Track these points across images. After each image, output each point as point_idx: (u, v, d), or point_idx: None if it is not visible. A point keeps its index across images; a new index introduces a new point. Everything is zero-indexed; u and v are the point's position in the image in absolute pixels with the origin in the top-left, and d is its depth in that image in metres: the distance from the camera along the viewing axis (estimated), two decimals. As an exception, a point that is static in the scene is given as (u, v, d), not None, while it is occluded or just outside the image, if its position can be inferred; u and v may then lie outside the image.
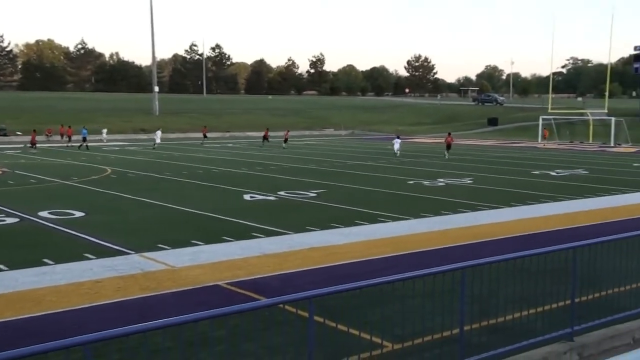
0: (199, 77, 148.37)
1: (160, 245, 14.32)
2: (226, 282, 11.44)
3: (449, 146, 43.19)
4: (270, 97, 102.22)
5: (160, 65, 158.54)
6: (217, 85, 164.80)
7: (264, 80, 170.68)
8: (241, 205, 20.90)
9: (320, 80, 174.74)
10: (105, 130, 58.92)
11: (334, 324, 6.30)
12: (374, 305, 7.11)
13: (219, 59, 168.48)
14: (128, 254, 13.51)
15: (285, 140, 51.27)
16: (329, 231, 16.36)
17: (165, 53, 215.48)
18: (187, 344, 5.34)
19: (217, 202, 21.46)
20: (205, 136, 56.81)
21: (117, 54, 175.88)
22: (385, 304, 7.17)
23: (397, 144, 42.96)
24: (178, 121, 77.44)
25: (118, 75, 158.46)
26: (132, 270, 12.13)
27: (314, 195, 23.30)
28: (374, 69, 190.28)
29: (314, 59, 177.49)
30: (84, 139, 47.61)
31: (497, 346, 7.34)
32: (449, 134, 46.46)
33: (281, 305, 5.84)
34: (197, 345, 6.38)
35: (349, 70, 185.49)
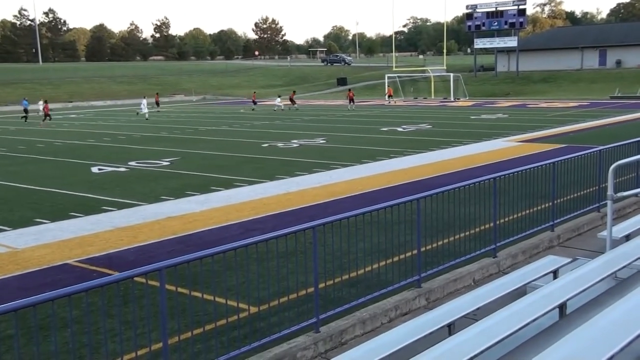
0: (32, 45, 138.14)
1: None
2: (76, 260, 10.94)
3: (351, 99, 53.02)
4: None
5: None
6: (54, 53, 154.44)
7: (106, 46, 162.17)
8: (89, 179, 19.98)
9: (167, 45, 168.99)
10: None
11: (188, 293, 6.22)
12: (230, 270, 7.13)
13: (54, 24, 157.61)
14: (-36, 239, 12.51)
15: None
16: (185, 199, 16.10)
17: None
18: (36, 328, 5.06)
19: (62, 177, 20.37)
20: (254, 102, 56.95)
21: None
22: (241, 268, 7.20)
23: (278, 102, 52.21)
24: (13, 93, 72.05)
25: None
26: (-30, 256, 11.26)
27: (167, 163, 22.77)
28: (222, 32, 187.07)
29: (159, 23, 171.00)
30: None
31: (351, 299, 7.62)
32: (350, 89, 57.42)
33: (135, 279, 5.70)
34: (47, 329, 6.10)
35: (196, 33, 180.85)
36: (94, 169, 21.82)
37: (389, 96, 61.06)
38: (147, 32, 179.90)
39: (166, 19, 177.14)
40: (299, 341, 6.84)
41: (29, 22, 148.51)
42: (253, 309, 6.97)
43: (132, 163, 22.98)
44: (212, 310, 6.44)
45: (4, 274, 10.27)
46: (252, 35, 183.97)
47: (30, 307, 4.78)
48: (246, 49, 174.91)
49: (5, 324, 4.78)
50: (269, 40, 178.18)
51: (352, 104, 52.51)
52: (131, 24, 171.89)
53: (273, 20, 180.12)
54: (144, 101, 48.32)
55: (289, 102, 54.00)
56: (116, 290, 5.59)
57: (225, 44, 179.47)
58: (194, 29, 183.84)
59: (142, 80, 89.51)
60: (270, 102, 56.49)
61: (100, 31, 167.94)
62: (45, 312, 5.20)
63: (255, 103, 55.69)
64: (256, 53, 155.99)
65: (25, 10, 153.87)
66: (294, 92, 59.22)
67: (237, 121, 41.84)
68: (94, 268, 10.44)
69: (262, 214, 14.20)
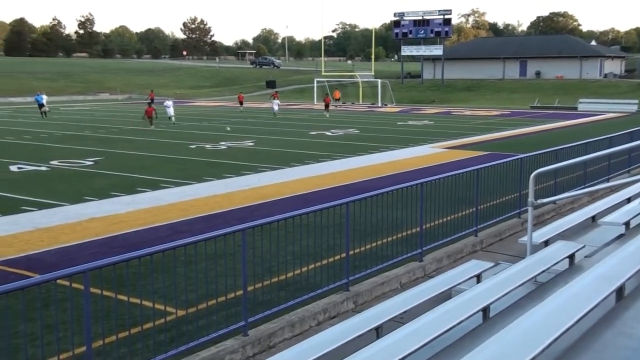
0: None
1: None
2: (-7, 261, 10.50)
3: (327, 105, 49.25)
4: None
5: None
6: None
7: (27, 41, 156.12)
8: (7, 177, 19.21)
9: (91, 42, 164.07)
10: None
11: (114, 296, 6.08)
12: (157, 273, 6.99)
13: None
14: None
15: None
16: (109, 200, 15.71)
17: None
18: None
19: (-22, 176, 19.49)
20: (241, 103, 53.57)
21: None
22: (169, 270, 7.08)
23: (275, 105, 47.87)
24: None
25: None
26: None
27: (91, 163, 22.14)
28: (149, 31, 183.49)
29: (83, 19, 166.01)
30: None
31: (280, 302, 7.62)
32: (326, 94, 53.43)
33: (55, 281, 5.52)
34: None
35: (122, 31, 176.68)
36: (13, 168, 20.99)
37: (336, 99, 60.94)
38: (70, 28, 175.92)
39: (90, 15, 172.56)
40: (227, 344, 6.79)
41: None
42: (180, 312, 6.87)
43: (54, 162, 22.23)
44: (138, 313, 6.30)
45: None
46: (180, 35, 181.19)
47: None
48: (174, 48, 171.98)
49: None
50: (198, 40, 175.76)
51: (327, 109, 48.82)
52: (54, 19, 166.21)
53: (202, 21, 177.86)
54: (170, 102, 42.22)
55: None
56: (37, 292, 5.39)
57: (152, 43, 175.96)
58: (120, 26, 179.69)
59: (65, 77, 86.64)
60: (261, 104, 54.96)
61: (20, 25, 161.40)
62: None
63: (242, 104, 53.71)
64: (184, 53, 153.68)
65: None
66: (277, 92, 57.34)
67: (162, 121, 41.08)
68: (12, 270, 10.04)
69: (190, 216, 14.02)
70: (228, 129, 30.10)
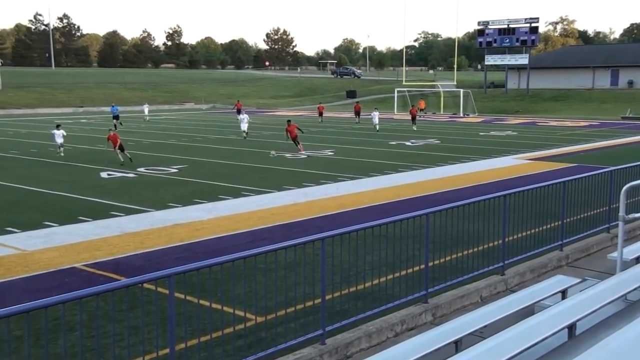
0: (45, 49, 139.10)
1: (9, 229, 13.46)
2: (84, 264, 10.97)
3: (414, 118, 46.42)
4: None
5: (1, 35, 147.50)
6: (67, 58, 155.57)
7: (118, 52, 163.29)
8: (98, 184, 20.07)
9: (179, 53, 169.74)
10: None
11: (196, 300, 6.22)
12: (237, 279, 7.12)
13: (68, 29, 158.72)
14: (-28, 239, 12.56)
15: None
16: (193, 207, 16.14)
17: (6, 22, 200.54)
18: (42, 330, 5.07)
19: (72, 181, 20.45)
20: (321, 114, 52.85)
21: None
22: (249, 277, 7.19)
23: (375, 118, 42.73)
24: (25, 96, 72.54)
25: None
26: (-22, 257, 11.30)
27: (175, 171, 22.83)
28: (233, 42, 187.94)
29: (171, 31, 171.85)
30: None
31: (357, 312, 7.60)
32: (413, 105, 50.73)
33: (142, 285, 5.71)
34: (54, 332, 6.11)
35: (208, 42, 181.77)
36: (104, 174, 21.91)
37: (421, 109, 60.20)
38: (159, 39, 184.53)
39: (178, 27, 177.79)
40: (304, 352, 6.82)
41: (43, 26, 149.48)
42: (259, 319, 6.96)
43: (141, 169, 23.06)
44: (219, 318, 6.44)
45: (13, 275, 10.31)
46: (263, 46, 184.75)
47: (42, 309, 4.80)
48: (257, 59, 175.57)
49: (13, 325, 4.77)
50: (280, 51, 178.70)
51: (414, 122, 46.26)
52: (144, 32, 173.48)
53: (284, 31, 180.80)
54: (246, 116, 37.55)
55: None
56: (125, 295, 5.59)
57: (236, 54, 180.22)
58: (206, 37, 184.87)
59: (153, 88, 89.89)
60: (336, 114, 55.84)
61: (113, 37, 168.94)
62: (53, 315, 5.22)
63: (321, 115, 52.21)
64: (267, 63, 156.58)
65: (40, 15, 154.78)
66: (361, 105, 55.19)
67: (236, 130, 41.88)
68: (100, 272, 10.46)
69: (270, 224, 14.21)
70: (273, 152, 29.08)
